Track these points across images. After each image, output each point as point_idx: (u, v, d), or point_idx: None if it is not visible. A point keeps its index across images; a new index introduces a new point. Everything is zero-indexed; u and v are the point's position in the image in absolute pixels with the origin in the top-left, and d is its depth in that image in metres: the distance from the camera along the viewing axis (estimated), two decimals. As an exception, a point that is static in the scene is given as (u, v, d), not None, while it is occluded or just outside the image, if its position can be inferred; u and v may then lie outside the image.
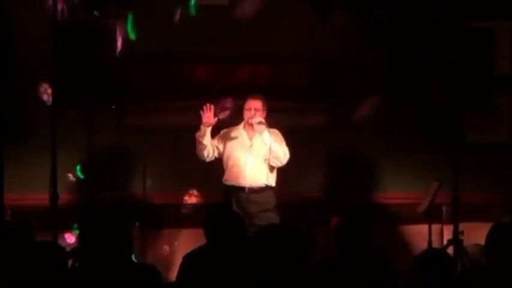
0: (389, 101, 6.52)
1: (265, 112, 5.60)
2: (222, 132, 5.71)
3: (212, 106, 5.51)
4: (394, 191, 6.58)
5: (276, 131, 5.62)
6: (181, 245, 6.29)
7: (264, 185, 5.56)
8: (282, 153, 5.51)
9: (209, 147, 5.60)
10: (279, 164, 5.54)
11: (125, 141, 6.49)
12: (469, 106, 6.08)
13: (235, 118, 5.94)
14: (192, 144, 5.77)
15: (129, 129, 6.53)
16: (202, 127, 5.54)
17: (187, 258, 3.89)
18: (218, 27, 6.46)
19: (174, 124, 6.48)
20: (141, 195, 6.35)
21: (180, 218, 6.42)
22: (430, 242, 5.93)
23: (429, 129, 6.51)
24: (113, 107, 6.10)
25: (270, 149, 5.42)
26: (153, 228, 6.36)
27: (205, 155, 5.60)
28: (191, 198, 6.47)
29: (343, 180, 6.61)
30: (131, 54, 6.28)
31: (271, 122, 5.69)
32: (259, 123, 5.47)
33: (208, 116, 5.50)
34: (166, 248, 6.34)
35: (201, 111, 5.50)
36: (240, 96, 5.92)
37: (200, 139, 5.55)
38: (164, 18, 6.40)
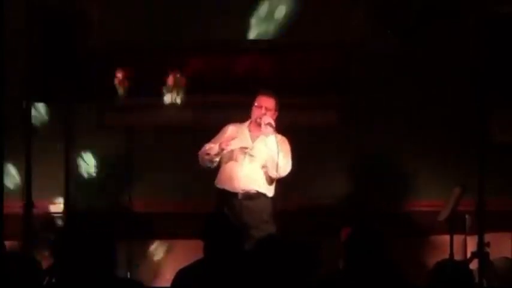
0: (409, 99, 6.56)
1: (276, 113, 5.60)
2: (227, 128, 5.67)
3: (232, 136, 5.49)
4: (413, 198, 6.64)
5: (284, 139, 5.60)
6: (172, 257, 6.37)
7: (256, 192, 5.57)
8: (282, 164, 5.46)
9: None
10: (276, 176, 5.51)
11: (107, 141, 6.48)
12: (497, 103, 6.04)
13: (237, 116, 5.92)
14: (185, 145, 5.80)
15: (112, 128, 6.52)
16: (218, 150, 5.52)
17: (182, 273, 3.90)
18: (213, 12, 6.46)
19: (163, 122, 6.52)
20: (126, 202, 6.37)
21: (170, 228, 6.43)
22: (451, 255, 5.92)
23: (451, 130, 6.54)
24: (93, 103, 6.15)
25: (271, 155, 5.40)
26: (140, 239, 6.39)
27: (213, 166, 5.64)
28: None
29: (355, 186, 6.64)
30: (113, 43, 6.32)
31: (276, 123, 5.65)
32: (268, 124, 5.47)
33: (228, 144, 5.49)
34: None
35: (221, 144, 5.44)
36: (239, 92, 5.97)
37: (214, 159, 5.55)
38: (149, 1, 6.45)
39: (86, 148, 6.48)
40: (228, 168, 5.58)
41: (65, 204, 5.74)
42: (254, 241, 3.87)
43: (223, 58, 6.63)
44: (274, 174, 5.52)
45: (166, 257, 6.52)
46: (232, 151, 5.56)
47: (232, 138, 5.49)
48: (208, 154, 5.54)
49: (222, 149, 5.50)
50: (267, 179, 5.59)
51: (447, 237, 6.01)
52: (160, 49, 6.55)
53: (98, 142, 6.51)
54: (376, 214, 6.44)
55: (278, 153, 5.42)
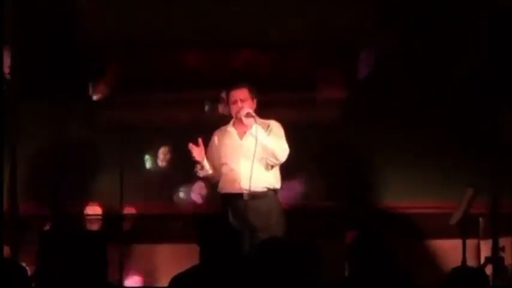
0: (415, 93, 6.54)
1: (255, 101, 5.57)
2: (213, 138, 5.69)
3: (200, 140, 5.50)
4: (422, 199, 6.54)
5: (274, 123, 5.58)
6: (165, 263, 6.32)
7: (264, 189, 5.53)
8: (278, 148, 5.47)
9: (213, 177, 5.67)
10: (276, 162, 5.51)
11: (98, 140, 6.48)
12: (509, 100, 6.09)
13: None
14: (178, 145, 5.73)
15: (104, 126, 6.51)
16: (199, 167, 5.58)
17: (176, 281, 3.84)
18: (209, 6, 6.46)
19: (157, 120, 6.50)
20: (118, 204, 6.32)
21: (164, 232, 6.43)
22: (464, 260, 5.88)
23: (463, 128, 6.51)
24: (86, 100, 6.14)
25: (263, 144, 5.41)
26: (132, 243, 6.38)
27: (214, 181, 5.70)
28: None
29: (360, 187, 6.62)
30: (106, 38, 6.30)
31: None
32: (248, 115, 5.44)
33: (199, 154, 5.52)
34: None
35: (189, 147, 5.49)
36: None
37: (203, 174, 5.63)
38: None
39: (75, 147, 6.45)
40: (228, 175, 5.56)
41: (50, 205, 5.80)
42: (258, 243, 3.81)
43: (221, 53, 6.62)
44: (273, 162, 5.50)
45: (160, 263, 6.46)
46: (226, 156, 5.56)
47: (201, 150, 5.49)
48: (201, 175, 5.65)
49: (200, 164, 5.54)
50: (269, 171, 5.55)
51: (459, 242, 5.98)
52: (155, 43, 6.54)
53: (88, 141, 6.49)
54: (383, 216, 6.44)
55: (268, 139, 5.43)
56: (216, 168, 5.64)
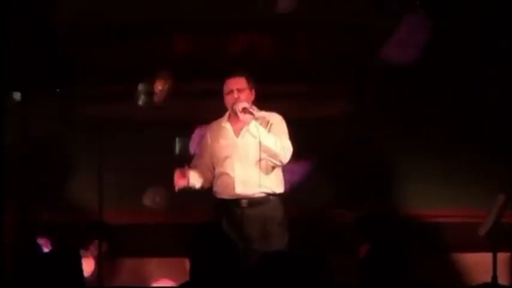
0: (437, 88, 6.56)
1: (253, 92, 5.48)
2: (206, 134, 5.62)
3: (188, 171, 5.45)
4: (446, 208, 6.56)
5: (275, 118, 5.49)
6: (150, 279, 6.35)
7: (264, 194, 5.44)
8: (279, 148, 5.36)
9: (207, 181, 5.56)
10: (278, 164, 5.41)
11: (73, 138, 6.49)
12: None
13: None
14: (168, 142, 5.78)
15: (80, 121, 6.51)
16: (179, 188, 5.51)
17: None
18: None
19: (143, 114, 6.52)
20: (96, 212, 6.29)
21: (149, 243, 6.41)
22: (494, 276, 5.82)
23: (493, 131, 6.54)
24: (57, 90, 6.13)
25: (262, 144, 5.32)
26: (112, 256, 6.35)
27: (208, 186, 5.57)
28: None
29: (375, 192, 6.59)
30: (84, 21, 6.35)
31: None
32: (244, 110, 5.32)
33: (182, 182, 5.46)
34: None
35: (176, 174, 5.45)
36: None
37: (192, 189, 5.52)
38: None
39: (47, 145, 6.46)
40: (223, 177, 5.48)
41: (18, 211, 5.84)
42: (257, 257, 3.77)
43: (216, 38, 6.64)
44: (275, 163, 5.42)
45: (145, 278, 6.47)
46: (220, 155, 5.48)
47: (185, 174, 5.42)
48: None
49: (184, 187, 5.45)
50: (269, 174, 5.45)
51: (489, 255, 5.91)
52: (144, 26, 6.57)
53: (62, 137, 6.51)
54: (401, 225, 6.43)
55: (267, 137, 5.34)
56: (209, 169, 5.54)
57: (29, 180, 6.10)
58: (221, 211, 5.45)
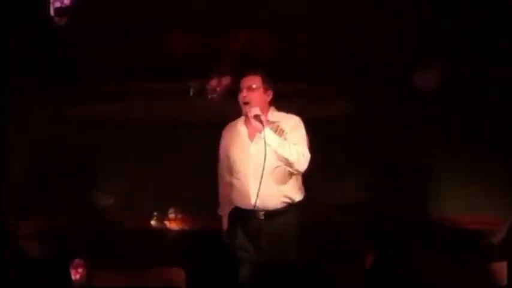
0: (450, 86, 6.55)
1: (269, 93, 5.39)
2: (222, 136, 5.54)
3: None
4: (458, 214, 6.53)
5: (292, 121, 5.39)
6: None
7: (281, 205, 5.34)
8: (293, 157, 5.27)
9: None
10: (294, 172, 5.32)
11: (67, 138, 6.47)
12: None
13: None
14: (167, 144, 5.87)
15: (75, 121, 6.51)
16: None
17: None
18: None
19: (140, 114, 6.52)
20: (91, 217, 6.32)
21: (148, 252, 6.28)
22: (509, 285, 5.84)
23: (508, 131, 6.52)
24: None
25: (275, 153, 5.26)
26: (108, 267, 6.23)
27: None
28: (172, 224, 6.44)
29: (381, 197, 6.57)
30: (80, 19, 6.33)
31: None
32: (256, 117, 5.24)
33: None
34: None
35: None
36: (233, 76, 6.06)
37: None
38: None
39: (41, 144, 6.45)
40: (237, 183, 5.41)
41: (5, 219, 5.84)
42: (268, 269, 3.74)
43: (214, 36, 6.64)
44: (291, 171, 5.34)
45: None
46: (235, 161, 5.41)
47: None
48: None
49: None
50: (287, 182, 5.37)
51: (504, 264, 5.93)
52: (140, 24, 6.57)
53: (57, 137, 6.48)
54: (410, 234, 6.31)
55: (282, 146, 5.27)
56: (228, 172, 5.50)
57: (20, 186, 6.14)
58: (236, 220, 5.41)
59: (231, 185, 5.42)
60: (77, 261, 6.10)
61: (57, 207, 6.41)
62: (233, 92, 6.34)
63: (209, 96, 6.49)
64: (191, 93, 6.53)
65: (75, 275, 6.01)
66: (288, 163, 5.26)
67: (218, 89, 6.52)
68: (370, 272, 3.98)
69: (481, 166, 6.46)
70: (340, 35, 6.67)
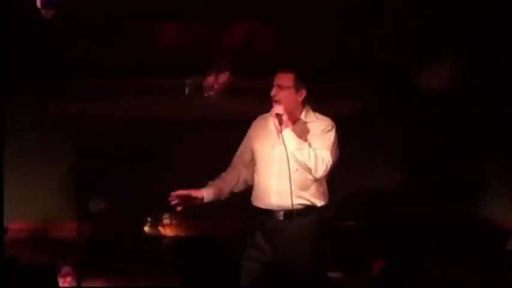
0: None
1: (301, 93, 5.30)
2: (252, 126, 5.47)
3: (183, 193, 5.32)
4: (473, 218, 6.60)
5: (322, 125, 5.34)
6: None
7: (300, 206, 5.31)
8: (312, 163, 5.23)
9: (227, 188, 5.42)
10: (312, 177, 5.30)
11: (52, 137, 6.49)
12: None
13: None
14: (159, 141, 5.97)
15: (60, 119, 6.53)
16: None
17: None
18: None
19: (129, 111, 6.55)
20: (76, 221, 6.34)
21: (141, 259, 6.32)
22: None
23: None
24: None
25: (294, 157, 5.23)
26: (95, 275, 6.25)
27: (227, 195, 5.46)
28: (167, 230, 6.43)
29: (390, 201, 6.59)
30: (68, 11, 6.35)
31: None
32: (277, 116, 5.20)
33: (180, 207, 5.37)
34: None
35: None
36: (230, 71, 6.16)
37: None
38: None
39: (28, 145, 6.47)
40: (259, 181, 5.39)
41: None
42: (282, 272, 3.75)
43: (211, 28, 6.67)
44: (313, 176, 5.31)
45: None
46: (260, 157, 5.38)
47: (181, 195, 5.28)
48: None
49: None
50: (308, 184, 5.33)
51: None
52: (130, 15, 6.61)
53: (44, 137, 6.49)
54: (419, 240, 6.36)
55: (302, 150, 5.24)
56: (244, 167, 5.45)
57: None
58: (256, 220, 5.36)
59: (238, 186, 5.41)
60: (65, 269, 6.10)
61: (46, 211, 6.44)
62: (230, 89, 6.38)
63: (206, 94, 6.51)
64: (186, 91, 6.52)
65: (63, 283, 5.99)
66: (306, 168, 5.27)
67: (215, 86, 6.53)
68: (378, 278, 3.93)
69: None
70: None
